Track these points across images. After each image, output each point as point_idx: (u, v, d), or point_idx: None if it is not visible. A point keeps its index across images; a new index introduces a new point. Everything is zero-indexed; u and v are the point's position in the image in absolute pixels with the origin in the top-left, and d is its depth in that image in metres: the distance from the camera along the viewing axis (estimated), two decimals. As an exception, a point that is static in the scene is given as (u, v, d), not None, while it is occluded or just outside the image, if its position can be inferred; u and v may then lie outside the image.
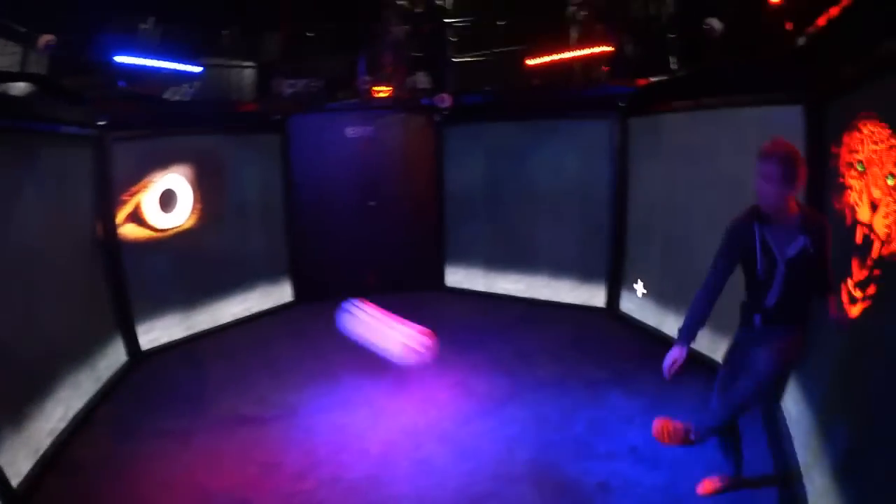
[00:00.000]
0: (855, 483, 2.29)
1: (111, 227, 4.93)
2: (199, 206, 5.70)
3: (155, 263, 5.31)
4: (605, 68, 6.09)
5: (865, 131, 2.63)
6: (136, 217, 5.20)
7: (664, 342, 4.86)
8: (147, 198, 5.27)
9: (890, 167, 2.32)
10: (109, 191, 4.89)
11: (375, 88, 6.80)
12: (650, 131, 5.18)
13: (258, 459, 3.70)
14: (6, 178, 3.70)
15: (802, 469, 2.93)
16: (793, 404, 3.41)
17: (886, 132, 2.37)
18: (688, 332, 2.76)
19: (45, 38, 4.82)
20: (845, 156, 2.93)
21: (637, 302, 5.48)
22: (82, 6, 4.81)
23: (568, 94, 6.02)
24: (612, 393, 4.32)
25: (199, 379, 4.87)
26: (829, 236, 2.57)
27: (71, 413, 4.04)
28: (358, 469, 3.57)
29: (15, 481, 3.21)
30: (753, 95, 3.87)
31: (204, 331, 5.79)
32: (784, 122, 3.49)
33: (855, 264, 2.69)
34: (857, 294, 2.59)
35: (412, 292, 6.84)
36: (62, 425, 3.89)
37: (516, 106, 6.35)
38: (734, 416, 2.84)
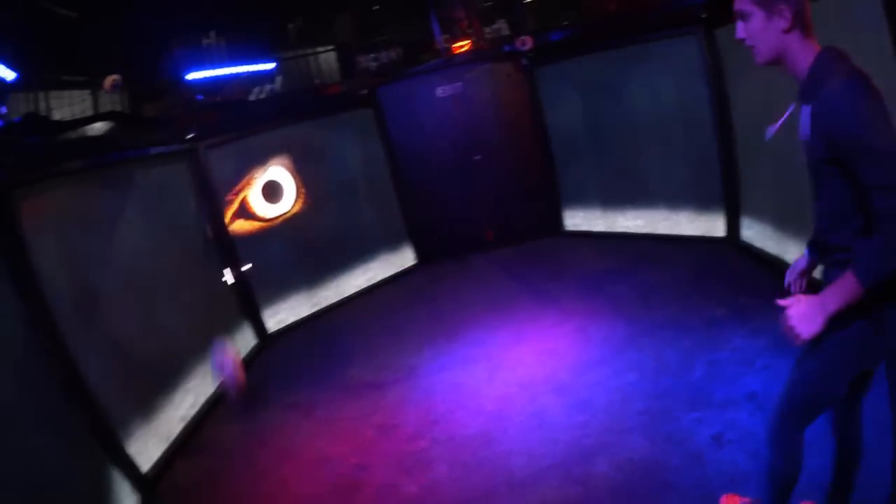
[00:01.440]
0: None
1: (220, 225, 5.33)
2: (303, 190, 5.99)
3: (271, 250, 5.67)
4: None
5: None
6: (244, 212, 5.58)
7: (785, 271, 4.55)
8: (252, 192, 5.62)
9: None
10: (212, 193, 5.26)
11: (455, 45, 6.71)
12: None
13: (376, 422, 3.92)
14: (111, 202, 4.13)
15: None
16: None
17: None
18: (811, 242, 2.09)
19: (111, 79, 5.22)
20: None
21: (757, 229, 5.09)
22: (141, 39, 5.10)
23: (645, 16, 5.58)
24: (733, 333, 4.07)
25: (322, 352, 5.20)
26: (856, 110, 1.60)
27: (201, 400, 4.48)
28: (472, 426, 3.68)
29: (146, 467, 3.63)
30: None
31: (329, 306, 6.14)
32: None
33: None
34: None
35: (532, 241, 6.87)
36: (193, 412, 4.33)
37: (598, 36, 6.01)
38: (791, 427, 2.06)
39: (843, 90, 1.63)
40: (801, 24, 1.76)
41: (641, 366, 3.95)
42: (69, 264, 3.62)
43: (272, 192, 5.78)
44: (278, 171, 5.82)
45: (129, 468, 3.51)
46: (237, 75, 5.52)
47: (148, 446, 3.77)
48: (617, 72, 5.90)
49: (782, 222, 4.72)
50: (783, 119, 1.98)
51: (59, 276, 3.47)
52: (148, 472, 3.66)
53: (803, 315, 1.73)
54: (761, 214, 5.03)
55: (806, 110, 1.78)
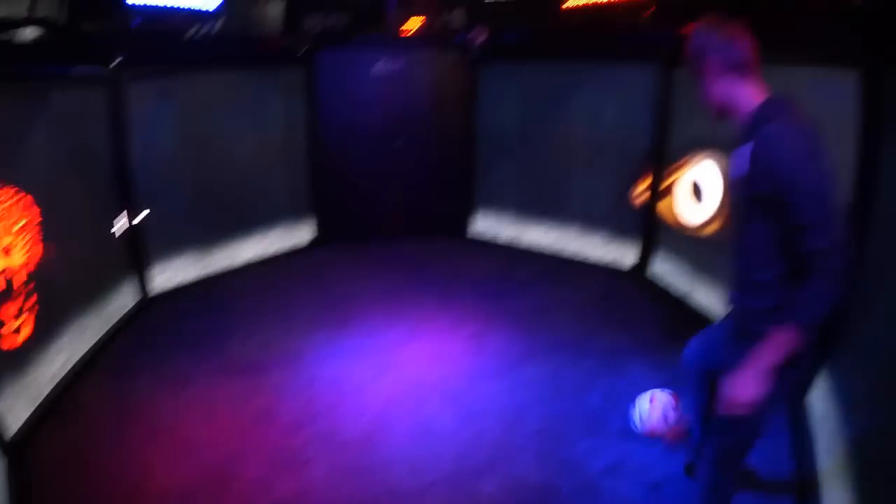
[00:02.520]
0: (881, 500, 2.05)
1: (129, 166, 4.80)
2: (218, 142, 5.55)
3: (169, 199, 5.18)
4: (649, 12, 5.60)
5: None
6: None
7: (691, 311, 4.63)
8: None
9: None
10: (125, 130, 4.72)
11: (407, 23, 6.43)
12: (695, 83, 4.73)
13: (253, 407, 3.62)
14: (20, 118, 3.66)
15: (823, 477, 2.67)
16: (819, 400, 3.11)
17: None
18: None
19: None
20: None
21: (670, 266, 5.16)
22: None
23: (608, 38, 5.57)
24: (634, 364, 4.07)
25: (206, 321, 4.79)
26: (793, 151, 1.70)
27: (74, 359, 4.02)
28: (353, 427, 3.45)
29: (14, 428, 3.20)
30: (806, 54, 3.45)
31: (220, 271, 5.70)
32: (836, 88, 3.09)
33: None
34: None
35: (436, 238, 6.66)
36: (64, 372, 3.87)
37: (555, 47, 5.91)
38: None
39: (783, 132, 1.73)
40: (737, 70, 1.88)
41: (537, 384, 3.85)
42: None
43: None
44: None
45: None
46: (180, 8, 4.99)
47: (16, 406, 3.31)
48: (563, 86, 5.83)
49: (695, 264, 4.80)
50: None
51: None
52: (15, 436, 3.21)
53: (744, 384, 1.84)
54: (676, 253, 5.11)
55: (745, 148, 1.83)
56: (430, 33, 6.47)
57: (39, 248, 3.64)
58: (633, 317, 4.79)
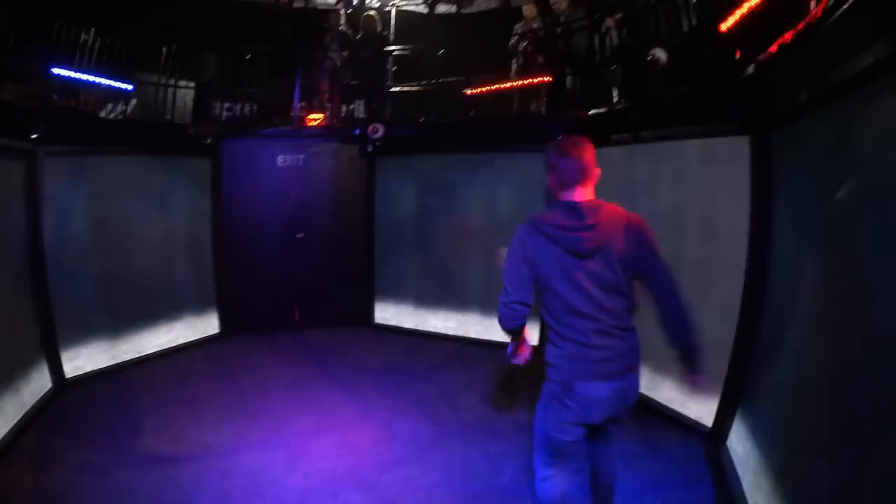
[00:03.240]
0: None
1: (41, 246, 4.63)
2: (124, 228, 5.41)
3: (79, 285, 5.03)
4: (544, 99, 6.05)
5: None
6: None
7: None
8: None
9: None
10: (38, 206, 4.58)
11: (310, 116, 6.61)
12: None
13: (172, 501, 3.40)
14: None
15: None
16: (738, 442, 3.32)
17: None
18: None
19: None
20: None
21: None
22: (21, 11, 4.53)
23: (503, 127, 5.94)
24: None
25: (119, 412, 4.57)
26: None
27: None
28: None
29: None
30: (697, 127, 3.83)
31: (129, 360, 5.49)
32: (730, 154, 3.46)
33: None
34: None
35: (340, 328, 6.66)
36: None
37: (450, 138, 6.26)
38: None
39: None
40: (564, 185, 2.42)
41: (449, 466, 3.83)
42: None
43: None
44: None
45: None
46: (97, 84, 4.93)
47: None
48: (458, 175, 6.11)
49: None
50: None
51: None
52: None
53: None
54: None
55: None
56: (332, 125, 6.67)
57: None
58: (538, 392, 4.84)
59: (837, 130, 2.34)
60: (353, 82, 6.97)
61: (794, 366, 2.62)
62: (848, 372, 2.03)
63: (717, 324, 3.52)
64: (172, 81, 6.07)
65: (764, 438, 2.92)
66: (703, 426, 3.80)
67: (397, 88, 6.94)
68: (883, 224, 1.85)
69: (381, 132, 6.26)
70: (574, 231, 2.33)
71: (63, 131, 4.75)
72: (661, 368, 4.21)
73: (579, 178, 2.38)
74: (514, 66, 6.48)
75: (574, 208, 2.37)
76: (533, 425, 2.63)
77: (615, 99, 5.30)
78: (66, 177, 4.84)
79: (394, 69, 7.06)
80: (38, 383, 4.57)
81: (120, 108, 5.61)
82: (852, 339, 2.03)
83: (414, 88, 6.86)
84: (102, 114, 5.58)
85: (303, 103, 6.73)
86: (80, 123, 5.05)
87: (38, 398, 4.49)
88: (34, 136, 4.44)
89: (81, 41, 5.27)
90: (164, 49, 5.88)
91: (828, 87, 2.35)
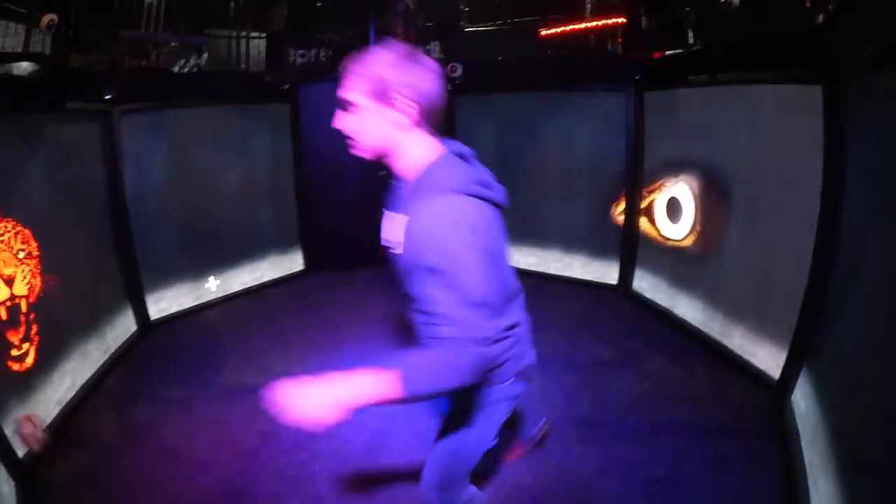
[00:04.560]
0: (858, 490, 2.19)
1: (122, 198, 4.90)
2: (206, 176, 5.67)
3: (161, 232, 5.29)
4: (619, 40, 5.91)
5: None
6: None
7: (674, 324, 4.84)
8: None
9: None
10: (115, 164, 4.83)
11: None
12: (666, 107, 5.02)
13: (257, 429, 3.69)
14: (16, 152, 3.72)
15: (808, 470, 2.83)
16: (802, 398, 3.30)
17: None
18: None
19: (48, 18, 4.77)
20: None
21: (651, 281, 5.37)
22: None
23: (582, 65, 5.82)
24: (619, 375, 4.23)
25: (205, 348, 4.88)
26: (446, 238, 1.51)
27: (79, 383, 4.09)
28: (355, 441, 3.55)
29: (21, 452, 3.24)
30: (771, 73, 3.70)
31: (213, 300, 5.81)
32: (803, 102, 3.34)
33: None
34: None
35: None
36: (70, 395, 3.93)
37: (529, 76, 6.16)
38: None
39: (441, 211, 1.55)
40: (424, 121, 1.65)
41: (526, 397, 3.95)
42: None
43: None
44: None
45: (5, 451, 3.08)
46: (168, 40, 5.16)
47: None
48: (538, 113, 6.06)
49: (675, 278, 5.01)
50: None
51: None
52: (24, 458, 3.24)
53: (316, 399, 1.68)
54: (656, 268, 5.32)
55: (401, 218, 1.66)
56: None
57: (39, 279, 3.72)
58: (617, 331, 4.95)
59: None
60: (427, 24, 6.96)
61: (861, 327, 2.56)
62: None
63: (789, 274, 3.49)
64: (244, 34, 6.21)
65: (826, 397, 2.89)
66: (770, 377, 3.78)
67: (472, 29, 6.89)
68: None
69: (459, 71, 6.26)
70: (494, 187, 1.77)
71: (136, 90, 4.96)
72: (734, 314, 4.21)
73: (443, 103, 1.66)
74: (588, 6, 6.32)
75: (463, 154, 1.76)
76: (450, 457, 2.20)
77: (690, 41, 5.14)
78: (144, 132, 5.06)
79: (467, 10, 6.99)
80: (123, 327, 4.88)
81: (193, 62, 5.82)
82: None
83: (490, 28, 6.78)
84: (175, 69, 5.78)
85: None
86: (152, 81, 5.24)
87: (122, 341, 4.81)
88: (107, 98, 4.64)
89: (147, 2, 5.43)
90: (231, 3, 6.01)
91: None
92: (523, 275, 6.13)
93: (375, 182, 6.58)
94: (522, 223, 6.40)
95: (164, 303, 5.39)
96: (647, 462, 3.24)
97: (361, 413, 1.75)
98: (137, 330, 5.08)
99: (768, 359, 3.82)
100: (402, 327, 5.14)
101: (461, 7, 6.92)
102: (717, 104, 4.32)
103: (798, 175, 3.46)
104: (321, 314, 5.54)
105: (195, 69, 5.96)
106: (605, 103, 5.55)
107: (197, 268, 5.70)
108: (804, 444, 3.00)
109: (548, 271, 6.32)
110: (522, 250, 6.50)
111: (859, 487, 2.18)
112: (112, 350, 4.63)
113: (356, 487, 3.17)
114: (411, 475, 3.17)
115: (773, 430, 3.39)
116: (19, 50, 4.51)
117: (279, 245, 6.50)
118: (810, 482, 2.74)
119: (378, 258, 6.57)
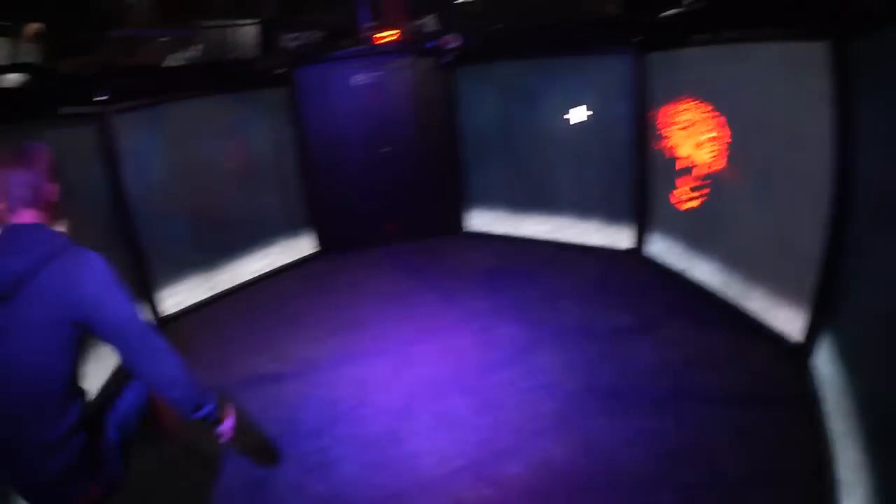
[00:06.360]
0: (890, 460, 2.14)
1: (124, 197, 4.85)
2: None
3: (169, 226, 5.29)
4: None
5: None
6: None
7: (691, 287, 4.79)
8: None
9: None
10: (115, 165, 4.79)
11: (379, 34, 6.55)
12: (669, 67, 4.90)
13: (277, 417, 3.71)
14: None
15: (835, 437, 2.78)
16: (825, 362, 3.24)
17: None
18: None
19: (34, 28, 4.73)
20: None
21: (666, 244, 5.32)
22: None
23: (581, 30, 5.69)
24: (640, 341, 4.19)
25: (221, 338, 4.90)
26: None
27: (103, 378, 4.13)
28: (376, 424, 3.56)
29: None
30: (776, 29, 3.58)
31: (226, 290, 5.83)
32: (810, 59, 3.24)
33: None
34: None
35: (435, 238, 6.81)
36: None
37: (527, 44, 6.04)
38: None
39: None
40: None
41: (549, 369, 3.95)
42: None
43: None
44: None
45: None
46: (157, 35, 5.08)
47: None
48: (539, 80, 5.95)
49: (690, 240, 4.95)
50: None
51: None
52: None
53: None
54: (671, 231, 5.25)
55: None
56: (403, 42, 6.59)
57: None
58: (634, 296, 4.90)
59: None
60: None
61: (883, 290, 2.51)
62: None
63: (806, 235, 3.42)
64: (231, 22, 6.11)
65: (849, 363, 2.84)
66: (789, 341, 3.73)
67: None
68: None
69: (455, 43, 6.16)
70: None
71: (128, 88, 4.91)
72: (752, 276, 4.15)
73: None
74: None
75: None
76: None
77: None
78: (141, 128, 5.03)
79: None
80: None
81: (187, 54, 5.73)
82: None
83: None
84: (172, 64, 5.70)
85: (371, 23, 6.67)
86: (144, 77, 5.19)
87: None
88: (100, 99, 4.61)
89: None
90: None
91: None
92: (536, 243, 6.31)
93: (380, 160, 6.58)
94: (534, 192, 6.35)
95: (177, 297, 5.41)
96: (672, 432, 3.21)
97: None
98: (153, 322, 5.09)
99: (788, 323, 3.76)
100: (415, 304, 5.14)
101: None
102: (723, 63, 4.22)
103: (808, 134, 3.38)
104: (335, 296, 5.54)
105: (190, 61, 5.87)
106: (607, 66, 5.44)
107: (208, 259, 5.70)
108: (827, 410, 2.96)
109: (562, 238, 6.27)
110: (535, 218, 6.45)
111: (892, 456, 2.13)
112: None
113: (382, 471, 3.16)
114: (437, 457, 3.20)
115: (795, 395, 3.34)
116: (7, 62, 4.45)
117: (289, 228, 6.49)
118: (837, 450, 2.70)
119: (388, 234, 6.65)
